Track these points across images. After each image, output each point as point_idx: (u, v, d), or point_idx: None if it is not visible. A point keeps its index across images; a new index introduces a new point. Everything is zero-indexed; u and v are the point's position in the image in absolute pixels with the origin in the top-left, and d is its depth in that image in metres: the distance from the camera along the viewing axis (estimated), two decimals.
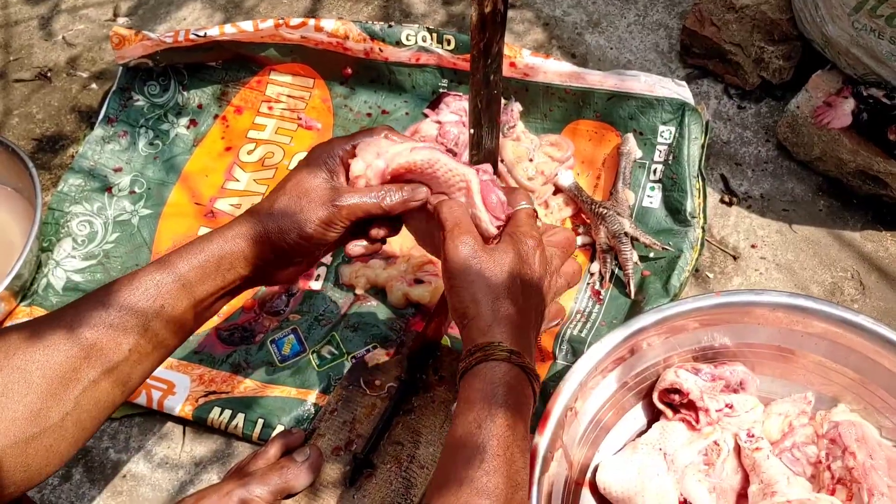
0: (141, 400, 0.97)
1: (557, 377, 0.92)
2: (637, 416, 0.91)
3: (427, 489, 0.66)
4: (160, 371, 0.98)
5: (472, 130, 0.83)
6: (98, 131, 1.19)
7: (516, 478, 0.63)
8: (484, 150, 0.89)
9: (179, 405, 0.96)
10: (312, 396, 0.96)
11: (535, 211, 0.77)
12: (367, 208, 0.73)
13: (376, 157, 0.75)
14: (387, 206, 0.74)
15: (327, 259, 1.08)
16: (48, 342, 0.63)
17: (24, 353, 0.62)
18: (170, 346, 0.72)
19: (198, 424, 0.97)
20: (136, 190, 1.15)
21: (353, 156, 0.76)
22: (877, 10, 0.95)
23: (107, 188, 1.15)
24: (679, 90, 1.09)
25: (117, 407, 0.69)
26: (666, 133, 1.08)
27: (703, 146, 1.07)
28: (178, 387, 0.98)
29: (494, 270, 0.69)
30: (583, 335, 0.97)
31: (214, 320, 1.04)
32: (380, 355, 0.97)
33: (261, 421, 0.94)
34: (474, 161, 0.88)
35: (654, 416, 0.90)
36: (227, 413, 0.95)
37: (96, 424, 0.67)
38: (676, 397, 0.87)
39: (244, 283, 0.75)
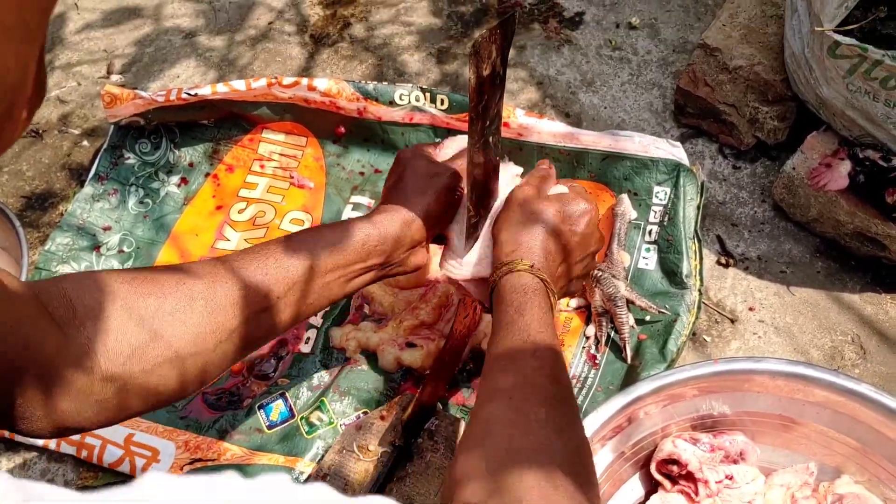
0: (124, 468, 0.95)
1: None
2: (634, 487, 0.88)
3: (479, 387, 0.71)
4: (144, 437, 0.97)
5: (470, 192, 0.82)
6: (88, 189, 1.18)
7: (559, 357, 0.71)
8: (481, 211, 0.87)
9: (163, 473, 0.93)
10: (301, 464, 0.94)
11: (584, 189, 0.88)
12: (461, 166, 0.85)
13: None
14: (478, 159, 0.82)
15: (317, 321, 1.06)
16: (213, 277, 0.69)
17: (192, 284, 0.68)
18: (315, 304, 0.77)
19: None
20: (125, 249, 1.14)
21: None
22: (871, 72, 0.94)
23: (95, 247, 1.14)
24: (674, 150, 1.08)
25: (252, 349, 0.75)
26: (661, 194, 1.07)
27: (698, 207, 1.06)
28: (162, 454, 0.96)
29: (536, 211, 0.80)
30: (578, 401, 0.95)
31: None
32: (374, 418, 0.94)
33: None
34: (472, 223, 0.87)
35: (652, 487, 0.88)
36: None
37: (239, 357, 0.72)
38: (675, 468, 0.85)
39: (390, 264, 0.82)
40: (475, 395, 0.97)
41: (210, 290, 0.68)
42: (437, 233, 0.84)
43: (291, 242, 0.75)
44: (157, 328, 0.64)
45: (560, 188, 0.85)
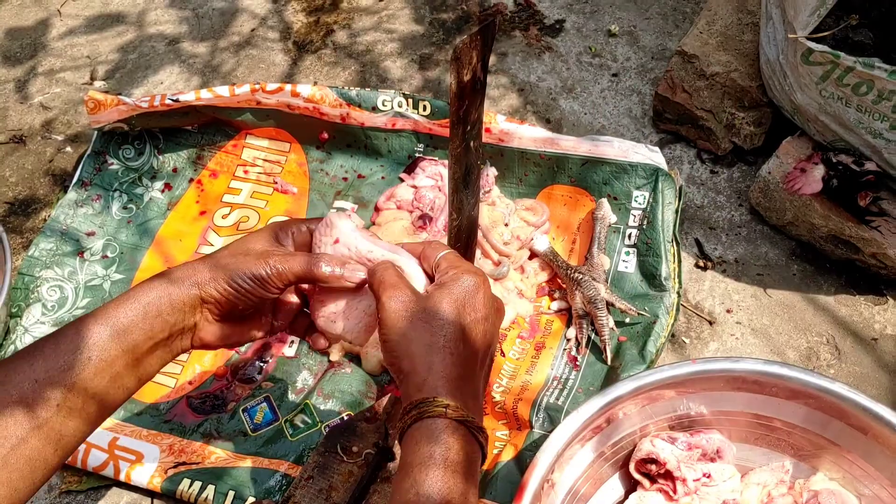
0: (108, 471, 0.95)
1: (534, 446, 0.91)
2: (614, 486, 0.89)
3: None
4: (128, 441, 0.97)
5: (451, 196, 0.83)
6: (71, 195, 1.19)
7: None
8: (464, 216, 0.89)
9: (148, 477, 0.94)
10: (285, 467, 0.94)
11: (453, 255, 0.72)
12: (298, 271, 0.71)
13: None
14: (319, 273, 0.71)
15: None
16: None
17: None
18: (106, 401, 0.66)
19: (167, 497, 0.95)
20: (109, 254, 1.14)
21: (308, 234, 0.76)
22: (843, 79, 0.97)
23: (79, 252, 1.14)
24: (652, 156, 1.10)
25: (54, 469, 0.64)
26: (640, 198, 1.09)
27: (676, 211, 1.08)
28: (146, 457, 0.96)
29: (428, 318, 0.65)
30: (559, 403, 0.96)
31: (186, 388, 1.02)
32: (357, 420, 0.95)
33: (232, 493, 0.92)
34: (454, 226, 0.88)
35: (631, 486, 0.89)
36: (198, 485, 0.93)
37: (30, 487, 0.62)
38: (653, 467, 0.86)
39: (177, 335, 0.70)
40: None
41: None
42: (228, 311, 0.72)
43: (63, 334, 0.64)
44: None
45: (413, 270, 0.72)
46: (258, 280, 0.70)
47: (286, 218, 1.16)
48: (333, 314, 0.75)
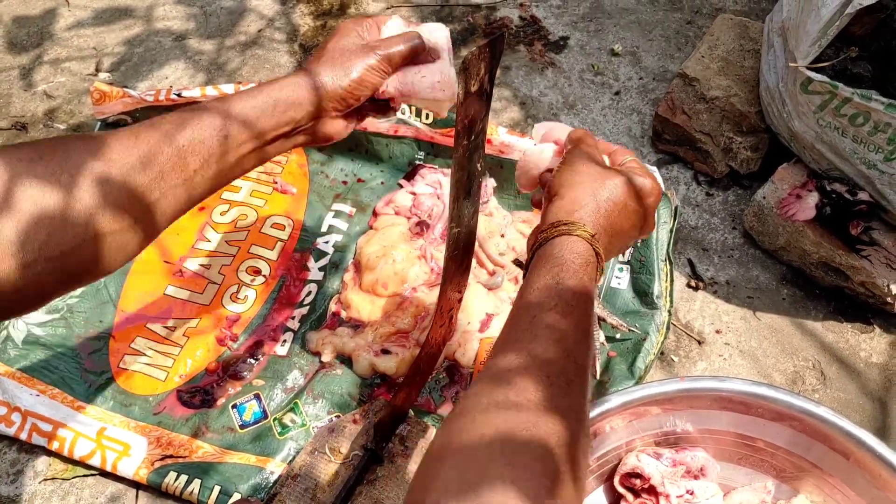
0: (95, 461, 0.95)
1: None
2: (598, 499, 0.90)
3: (496, 342, 0.65)
4: (116, 432, 0.97)
5: (452, 204, 0.84)
6: None
7: (587, 329, 0.64)
8: (463, 225, 0.90)
9: (134, 468, 0.94)
10: (272, 465, 0.95)
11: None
12: (401, 50, 0.80)
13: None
14: (416, 47, 0.80)
15: (294, 325, 1.07)
16: (129, 151, 0.65)
17: (108, 159, 0.64)
18: (230, 175, 0.74)
19: (152, 489, 0.95)
20: None
21: (376, 27, 0.84)
22: (840, 109, 0.98)
23: None
24: None
25: (177, 217, 0.71)
26: None
27: (671, 230, 1.09)
28: (134, 449, 0.96)
29: (604, 176, 0.72)
30: None
31: (176, 381, 1.03)
32: (346, 421, 0.96)
33: (217, 488, 0.92)
34: (453, 234, 0.89)
35: (615, 499, 0.90)
36: (184, 478, 0.93)
37: (157, 233, 0.69)
38: (638, 482, 0.87)
39: (298, 129, 0.78)
40: (448, 403, 0.99)
41: (128, 164, 0.65)
42: (351, 105, 0.80)
43: (204, 113, 0.71)
44: (73, 207, 0.61)
45: (624, 155, 0.79)
46: (373, 69, 0.78)
47: (284, 218, 1.16)
48: (421, 76, 0.83)
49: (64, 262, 0.61)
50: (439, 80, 0.83)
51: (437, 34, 0.83)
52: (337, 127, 0.81)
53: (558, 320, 0.62)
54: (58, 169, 0.61)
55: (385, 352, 1.02)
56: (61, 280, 0.62)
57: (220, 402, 1.01)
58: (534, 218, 1.13)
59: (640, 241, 1.09)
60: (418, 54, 0.82)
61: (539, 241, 0.70)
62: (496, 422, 0.55)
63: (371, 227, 1.15)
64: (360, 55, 0.79)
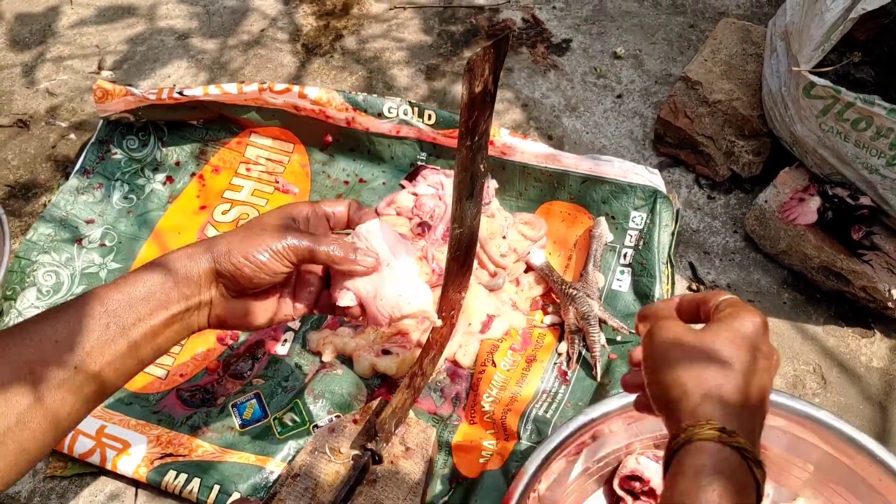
0: (94, 459, 0.95)
1: (521, 457, 0.91)
2: (598, 502, 0.90)
3: None
4: (116, 430, 0.97)
5: (455, 205, 0.84)
6: (73, 181, 1.19)
7: None
8: (465, 226, 0.90)
9: (134, 466, 0.94)
10: (271, 464, 0.95)
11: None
12: (312, 249, 0.73)
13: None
14: (333, 255, 0.73)
15: (295, 324, 1.07)
16: None
17: None
18: (106, 382, 0.65)
19: (151, 487, 0.95)
20: (107, 243, 1.15)
21: (321, 216, 0.78)
22: (843, 114, 0.98)
23: (77, 239, 1.14)
24: (652, 178, 1.11)
25: (48, 449, 0.63)
26: (637, 219, 1.10)
27: (672, 233, 1.09)
28: (133, 447, 0.96)
29: (704, 347, 0.59)
30: (548, 416, 0.97)
31: (176, 380, 1.03)
32: (346, 422, 0.96)
33: (217, 487, 0.92)
34: (455, 235, 0.89)
35: (614, 502, 0.90)
36: (183, 477, 0.93)
37: (44, 446, 0.62)
38: (637, 484, 0.87)
39: (193, 309, 0.70)
40: (448, 403, 0.99)
41: None
42: (243, 287, 0.72)
43: (85, 301, 0.64)
44: None
45: (716, 297, 0.64)
46: (274, 253, 0.71)
47: None
48: (346, 292, 0.77)
49: None
50: (350, 288, 0.77)
51: (371, 232, 0.76)
52: (230, 308, 0.72)
53: None
54: None
55: (386, 352, 1.02)
56: None
57: (221, 401, 1.01)
58: (535, 219, 1.13)
59: (642, 245, 1.09)
60: (339, 265, 0.75)
61: (664, 465, 0.58)
62: None
63: None
64: (269, 236, 0.71)
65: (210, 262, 0.70)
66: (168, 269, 0.68)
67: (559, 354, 1.04)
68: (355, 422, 0.95)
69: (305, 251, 0.72)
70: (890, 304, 1.04)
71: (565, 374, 1.02)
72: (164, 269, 0.68)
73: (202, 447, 0.97)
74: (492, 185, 1.14)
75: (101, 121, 1.22)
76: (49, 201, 1.19)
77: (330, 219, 0.79)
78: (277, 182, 1.20)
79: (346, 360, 1.04)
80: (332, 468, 0.91)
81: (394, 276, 0.77)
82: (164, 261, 0.69)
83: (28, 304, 1.08)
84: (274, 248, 0.71)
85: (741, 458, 0.53)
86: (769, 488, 0.88)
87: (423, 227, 1.11)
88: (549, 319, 1.07)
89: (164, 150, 1.22)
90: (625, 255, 1.10)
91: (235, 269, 0.70)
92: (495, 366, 1.02)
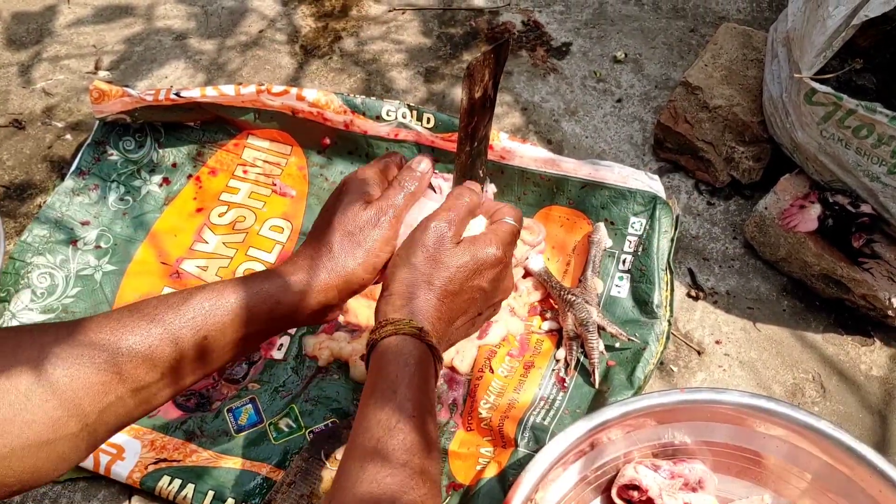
0: (88, 464, 0.94)
1: (519, 465, 0.91)
2: None
3: (342, 460, 0.65)
4: None
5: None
6: (68, 183, 1.18)
7: (431, 443, 0.64)
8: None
9: (127, 471, 0.93)
10: (267, 470, 0.94)
11: (517, 230, 0.77)
12: (400, 211, 0.76)
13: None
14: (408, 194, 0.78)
15: (291, 329, 1.06)
16: (82, 351, 0.61)
17: (55, 359, 0.59)
18: (203, 373, 0.70)
19: (145, 493, 0.94)
20: (102, 245, 1.14)
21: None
22: (844, 121, 0.98)
23: (72, 241, 1.13)
24: (651, 183, 1.11)
25: (133, 420, 0.67)
26: (637, 224, 1.10)
27: (672, 240, 1.09)
28: (127, 452, 0.95)
29: (440, 260, 0.70)
30: (546, 423, 0.96)
31: None
32: (343, 427, 0.95)
33: (211, 493, 0.92)
34: None
35: None
36: (177, 482, 0.92)
37: (109, 436, 0.65)
38: (635, 494, 0.86)
39: (282, 328, 0.75)
40: (445, 410, 0.98)
41: (77, 365, 0.60)
42: (358, 292, 0.76)
43: (186, 307, 0.66)
44: (7, 413, 0.57)
45: (477, 225, 0.77)
46: (387, 241, 0.74)
47: (283, 221, 1.16)
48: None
49: None
50: None
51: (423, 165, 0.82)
52: (333, 315, 0.77)
53: (403, 442, 0.62)
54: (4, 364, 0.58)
55: None
56: None
57: (216, 405, 1.00)
58: (534, 224, 1.12)
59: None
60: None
61: (369, 343, 0.69)
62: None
63: None
64: (370, 233, 0.74)
65: (337, 295, 0.73)
66: (296, 295, 0.71)
67: (557, 361, 1.03)
68: (351, 428, 0.94)
69: (398, 218, 0.75)
70: (890, 313, 1.03)
71: (563, 380, 1.01)
72: (293, 289, 0.71)
73: (197, 452, 0.96)
74: (490, 189, 1.14)
75: (98, 122, 1.21)
76: (44, 202, 1.18)
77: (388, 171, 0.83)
78: (275, 184, 1.19)
79: (342, 364, 1.03)
80: (328, 475, 0.90)
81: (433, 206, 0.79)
82: (296, 282, 0.71)
83: (22, 307, 1.07)
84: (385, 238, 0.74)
85: (430, 352, 0.67)
86: (768, 497, 0.87)
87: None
88: (547, 325, 1.06)
89: (160, 151, 1.21)
90: (624, 261, 1.09)
91: (368, 277, 0.74)
92: (493, 372, 1.01)
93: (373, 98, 1.17)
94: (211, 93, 1.15)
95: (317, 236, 0.75)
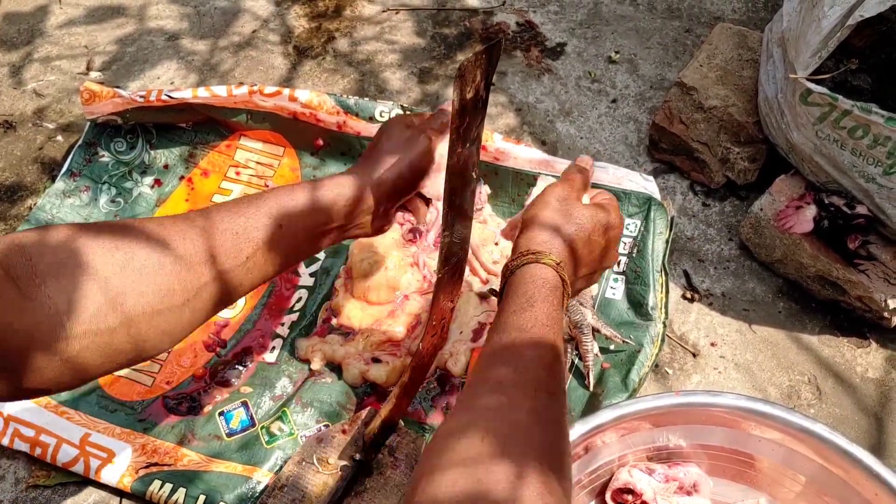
0: (78, 468, 0.93)
1: None
2: None
3: (472, 370, 0.72)
4: (101, 438, 0.95)
5: (446, 212, 0.83)
6: (59, 184, 1.17)
7: (556, 351, 0.68)
8: (457, 232, 0.88)
9: (118, 476, 0.92)
10: (258, 474, 0.93)
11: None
12: (441, 128, 0.88)
13: None
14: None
15: (284, 331, 1.05)
16: (184, 234, 0.68)
17: (162, 240, 0.66)
18: (281, 264, 0.77)
19: (136, 497, 0.93)
20: None
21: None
22: (840, 121, 0.97)
23: None
24: (646, 184, 1.10)
25: (222, 307, 0.73)
26: (631, 226, 1.09)
27: (667, 241, 1.08)
28: (118, 456, 0.94)
29: (573, 214, 0.78)
30: None
31: (162, 388, 1.01)
32: (335, 431, 0.94)
33: (202, 497, 0.91)
34: (446, 242, 0.87)
35: None
36: (168, 487, 0.92)
37: (205, 317, 0.71)
38: (629, 497, 0.86)
39: (359, 226, 0.84)
40: (439, 413, 0.97)
41: (180, 247, 0.67)
42: (405, 196, 0.87)
43: (263, 201, 0.75)
44: (123, 286, 0.62)
45: (598, 195, 0.86)
46: (425, 153, 0.86)
47: None
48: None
49: (112, 337, 0.62)
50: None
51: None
52: (386, 222, 0.87)
53: (536, 341, 0.67)
54: (114, 247, 0.63)
55: (375, 360, 1.00)
56: (106, 355, 0.63)
57: (207, 409, 0.99)
58: None
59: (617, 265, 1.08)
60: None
61: (511, 269, 0.75)
62: (495, 427, 0.59)
63: None
64: (410, 145, 0.85)
65: (387, 194, 0.84)
66: (354, 190, 0.81)
67: None
68: (344, 432, 0.93)
69: (435, 138, 0.87)
70: (886, 314, 1.02)
71: None
72: (352, 187, 0.81)
73: (188, 456, 0.95)
74: (484, 190, 1.13)
75: (89, 123, 1.20)
76: (35, 204, 1.17)
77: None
78: (267, 186, 1.19)
79: (335, 368, 1.02)
80: (320, 479, 0.89)
81: None
82: (352, 181, 0.81)
83: None
84: (428, 153, 0.86)
85: (562, 284, 0.74)
86: (763, 501, 0.87)
87: (415, 234, 1.09)
88: None
89: (152, 152, 1.20)
90: (618, 263, 1.08)
91: (408, 187, 0.86)
92: None
93: (366, 99, 1.16)
94: (203, 94, 1.15)
95: (367, 155, 0.86)
